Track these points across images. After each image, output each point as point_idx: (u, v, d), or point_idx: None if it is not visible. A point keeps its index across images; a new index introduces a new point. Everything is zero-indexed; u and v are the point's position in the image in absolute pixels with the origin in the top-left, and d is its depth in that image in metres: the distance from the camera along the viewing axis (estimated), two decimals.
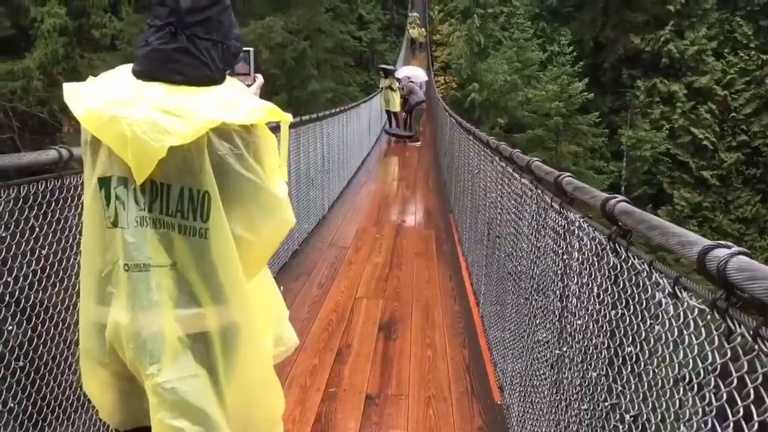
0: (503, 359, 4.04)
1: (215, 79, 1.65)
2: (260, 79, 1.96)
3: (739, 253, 1.21)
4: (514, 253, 3.71)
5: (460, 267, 6.84)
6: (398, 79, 17.95)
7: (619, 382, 1.82)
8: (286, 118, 1.74)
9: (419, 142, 17.76)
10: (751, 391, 1.14)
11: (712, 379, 1.30)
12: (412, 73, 18.75)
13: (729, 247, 1.25)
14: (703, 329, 1.34)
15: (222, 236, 1.61)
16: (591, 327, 2.08)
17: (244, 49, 1.85)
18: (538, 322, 2.97)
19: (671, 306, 1.48)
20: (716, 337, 1.29)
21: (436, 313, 5.46)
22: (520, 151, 3.94)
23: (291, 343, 2.08)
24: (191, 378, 1.62)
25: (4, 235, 2.19)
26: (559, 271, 2.57)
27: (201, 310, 1.63)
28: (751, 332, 1.15)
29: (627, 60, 29.14)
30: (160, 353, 1.60)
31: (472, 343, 4.83)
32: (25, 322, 2.33)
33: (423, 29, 33.59)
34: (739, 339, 1.20)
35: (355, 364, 4.42)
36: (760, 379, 1.14)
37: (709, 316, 1.31)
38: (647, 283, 1.63)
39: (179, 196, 1.59)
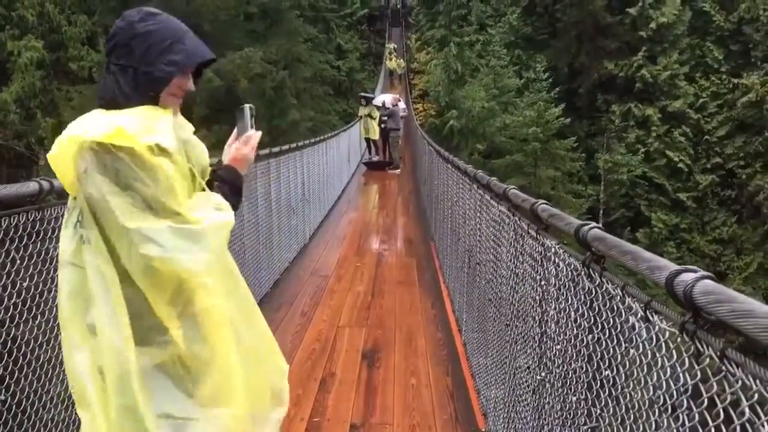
0: (486, 386, 4.06)
1: (119, 104, 1.69)
2: (257, 135, 2.06)
3: (705, 277, 1.26)
4: (495, 280, 3.75)
5: (441, 294, 6.87)
6: (377, 107, 18.09)
7: (598, 405, 1.85)
8: (132, 142, 1.60)
9: (399, 170, 17.86)
10: (721, 411, 1.18)
11: (685, 400, 1.34)
12: (391, 98, 18.89)
13: (695, 272, 1.30)
14: (674, 351, 1.39)
15: (95, 249, 1.66)
16: (569, 352, 2.12)
17: (243, 106, 1.99)
18: (519, 347, 3.01)
19: (644, 329, 1.52)
20: (686, 359, 1.33)
21: (419, 341, 5.47)
22: (497, 179, 4.01)
23: (287, 398, 2.07)
24: None
25: None
26: (537, 297, 2.61)
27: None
28: (718, 353, 1.19)
29: (602, 85, 29.60)
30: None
31: (455, 371, 4.84)
32: (6, 355, 2.32)
33: (401, 60, 33.64)
34: (707, 360, 1.25)
35: (339, 393, 4.41)
36: (728, 399, 1.19)
37: (679, 339, 1.36)
38: (621, 307, 1.68)
39: (80, 209, 1.69)
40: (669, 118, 28.20)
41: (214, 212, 1.74)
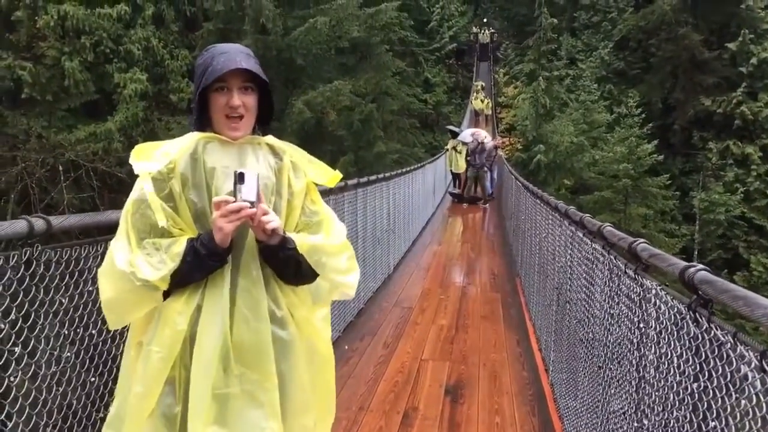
0: (575, 430, 3.92)
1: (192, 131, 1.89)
2: (244, 207, 1.75)
3: None
4: (586, 320, 3.64)
5: (527, 332, 6.72)
6: (464, 143, 18.02)
7: None
8: (132, 161, 1.83)
9: (487, 204, 17.68)
10: None
11: None
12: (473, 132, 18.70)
13: None
14: None
15: None
16: (671, 399, 2.02)
17: (240, 171, 1.76)
18: (612, 391, 2.89)
19: (758, 380, 1.44)
20: None
21: (504, 379, 5.36)
22: (590, 215, 3.91)
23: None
24: None
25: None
26: (635, 340, 2.51)
27: None
28: None
29: (698, 122, 28.66)
30: None
31: (542, 412, 4.70)
32: None
33: (488, 100, 32.57)
34: None
35: (422, 428, 4.36)
36: None
37: None
38: (731, 355, 1.59)
39: None
40: None
41: (149, 261, 1.73)
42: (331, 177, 1.99)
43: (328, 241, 1.93)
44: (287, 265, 1.84)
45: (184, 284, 1.76)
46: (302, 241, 1.86)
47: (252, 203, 1.73)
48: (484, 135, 18.10)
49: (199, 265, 1.74)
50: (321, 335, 1.97)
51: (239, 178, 1.73)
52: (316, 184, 1.99)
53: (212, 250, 1.73)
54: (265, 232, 1.75)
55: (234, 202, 1.72)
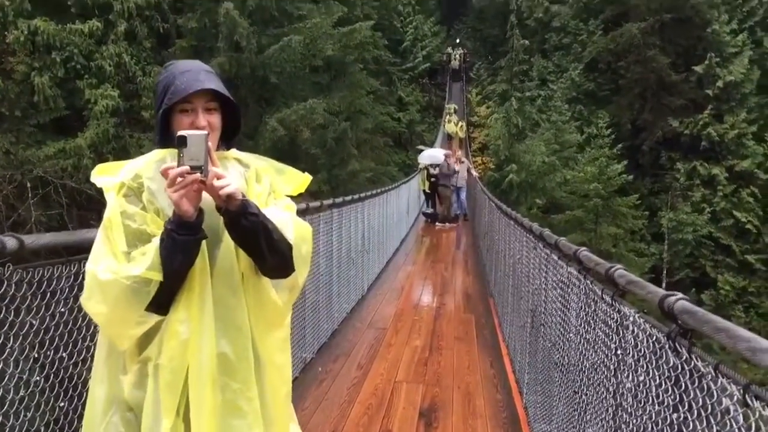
0: None
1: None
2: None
3: None
4: (561, 344, 3.63)
5: (501, 353, 6.71)
6: (434, 166, 18.14)
7: None
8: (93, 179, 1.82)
9: (456, 224, 17.83)
10: None
11: None
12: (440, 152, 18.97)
13: None
14: None
15: None
16: (650, 428, 2.01)
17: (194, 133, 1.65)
18: (588, 417, 2.88)
19: (740, 415, 1.43)
20: None
21: (478, 401, 5.33)
22: (565, 239, 3.92)
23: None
24: None
25: None
26: (612, 366, 2.50)
27: None
28: None
29: (666, 142, 29.17)
30: None
31: None
32: None
33: (462, 122, 32.14)
34: None
35: None
36: None
37: None
38: (713, 387, 1.58)
39: None
40: (736, 178, 27.55)
41: (135, 262, 1.66)
42: (301, 183, 1.97)
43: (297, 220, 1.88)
44: (256, 236, 1.70)
45: (175, 275, 1.65)
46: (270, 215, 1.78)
47: (200, 168, 1.59)
48: (448, 153, 18.36)
49: (174, 245, 1.63)
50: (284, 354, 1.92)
51: (180, 141, 1.58)
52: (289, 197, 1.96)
53: (177, 222, 1.63)
54: (220, 198, 1.65)
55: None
